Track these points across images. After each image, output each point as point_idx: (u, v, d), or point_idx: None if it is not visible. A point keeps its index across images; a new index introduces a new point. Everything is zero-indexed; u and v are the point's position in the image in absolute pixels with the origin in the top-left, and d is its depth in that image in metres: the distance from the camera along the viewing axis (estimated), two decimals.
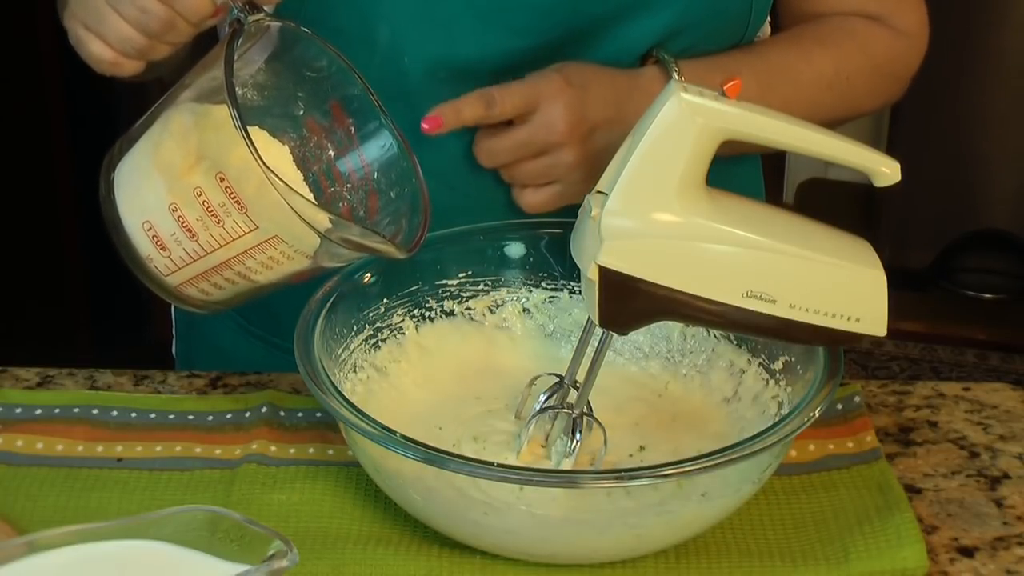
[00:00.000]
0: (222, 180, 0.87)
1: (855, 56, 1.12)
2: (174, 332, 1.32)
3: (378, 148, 0.97)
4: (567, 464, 0.92)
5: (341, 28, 1.04)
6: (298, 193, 0.85)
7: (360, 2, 1.04)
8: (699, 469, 0.83)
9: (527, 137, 1.02)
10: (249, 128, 0.93)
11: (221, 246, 0.90)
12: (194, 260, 0.91)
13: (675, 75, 1.04)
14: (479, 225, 1.05)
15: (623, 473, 0.84)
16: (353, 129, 0.97)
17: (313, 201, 0.93)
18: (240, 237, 0.89)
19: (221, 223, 0.88)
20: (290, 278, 0.93)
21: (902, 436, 1.03)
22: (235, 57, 0.87)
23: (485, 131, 1.04)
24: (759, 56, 1.10)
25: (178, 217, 0.90)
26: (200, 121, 0.89)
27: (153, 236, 0.91)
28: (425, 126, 0.99)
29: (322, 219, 0.87)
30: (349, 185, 0.97)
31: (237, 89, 0.93)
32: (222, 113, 0.85)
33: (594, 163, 1.03)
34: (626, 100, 1.04)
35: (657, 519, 0.86)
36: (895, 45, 1.15)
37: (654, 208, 0.86)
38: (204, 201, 0.88)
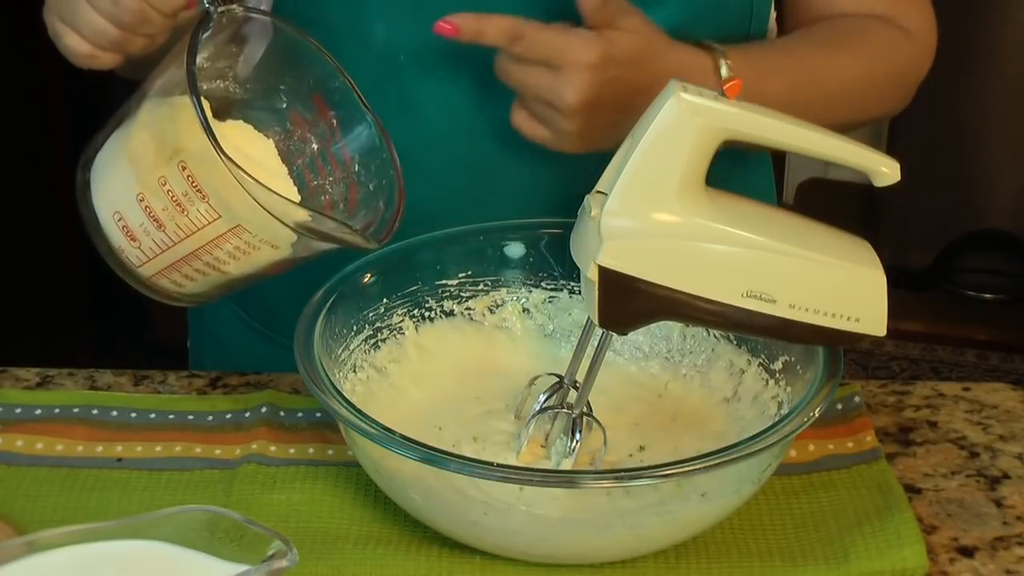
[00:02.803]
0: (184, 169, 0.88)
1: (876, 60, 1.11)
2: (188, 323, 1.32)
3: (359, 140, 0.97)
4: (567, 464, 0.92)
5: (335, 26, 1.04)
6: (255, 180, 0.85)
7: (354, 0, 1.04)
8: (699, 469, 0.83)
9: (540, 88, 0.98)
10: (232, 122, 0.94)
11: (187, 236, 0.90)
12: (163, 251, 0.91)
13: (724, 65, 1.02)
14: (479, 225, 1.05)
15: (623, 473, 0.84)
16: (335, 122, 0.97)
17: (293, 195, 0.93)
18: (205, 227, 0.89)
19: (185, 212, 0.89)
20: (264, 269, 0.93)
21: (902, 436, 1.03)
22: (199, 48, 0.88)
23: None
24: (793, 57, 1.08)
25: (145, 207, 0.90)
26: (169, 112, 0.90)
27: (123, 227, 0.92)
28: (445, 26, 0.95)
29: (283, 207, 0.87)
30: (331, 178, 0.98)
31: (218, 82, 0.94)
32: (188, 104, 0.86)
33: (592, 135, 1.00)
34: (644, 93, 0.96)
35: (657, 519, 0.86)
36: (909, 48, 1.13)
37: (654, 208, 0.86)
38: (169, 191, 0.89)
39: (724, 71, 1.02)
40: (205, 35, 0.89)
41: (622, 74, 0.98)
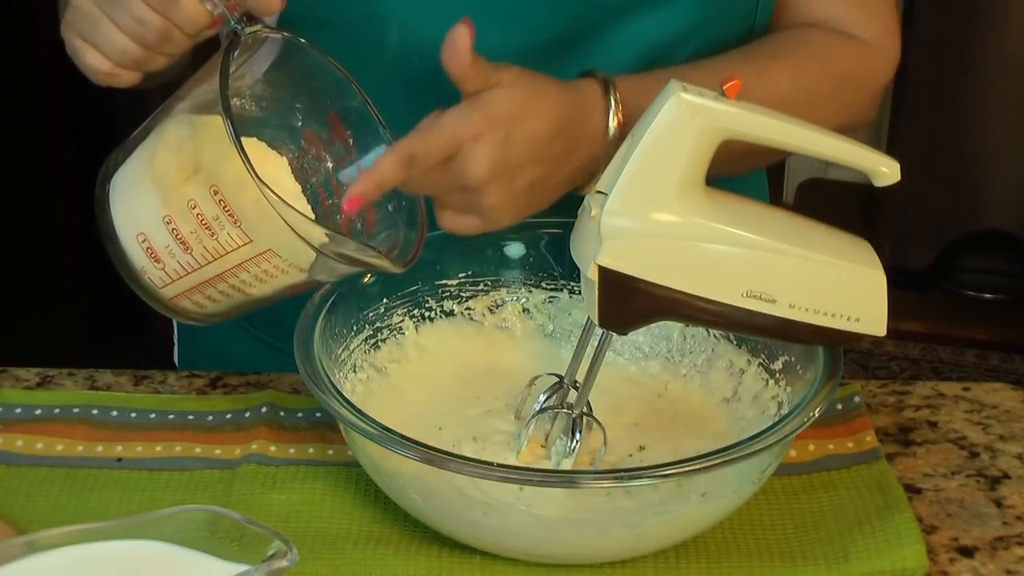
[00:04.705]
0: (216, 193, 0.87)
1: (813, 68, 1.08)
2: (176, 339, 1.32)
3: (376, 160, 0.96)
4: (567, 464, 0.92)
5: (350, 28, 1.04)
6: (292, 207, 0.85)
7: (369, 2, 1.04)
8: (699, 469, 0.83)
9: (446, 181, 0.96)
10: (246, 139, 0.93)
11: (215, 259, 0.89)
12: (188, 273, 0.91)
13: (612, 98, 0.99)
14: None
15: (623, 473, 0.84)
16: (351, 141, 0.97)
17: (308, 215, 0.93)
18: (234, 250, 0.89)
19: (215, 236, 0.88)
20: (286, 291, 0.93)
21: (902, 436, 1.03)
22: (231, 69, 0.87)
23: None
24: (709, 73, 1.04)
25: (172, 229, 0.89)
26: (195, 133, 0.89)
27: (147, 248, 0.91)
28: (347, 206, 0.91)
29: (317, 233, 0.86)
30: None
31: (234, 100, 0.93)
32: (217, 125, 0.85)
33: (517, 201, 0.97)
34: (548, 142, 0.97)
35: (657, 519, 0.86)
36: (858, 55, 1.11)
37: (654, 208, 0.86)
38: (198, 214, 0.88)
39: (612, 99, 0.99)
40: (235, 56, 0.89)
41: (515, 130, 0.95)
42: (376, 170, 0.92)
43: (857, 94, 1.13)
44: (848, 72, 1.11)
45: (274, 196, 0.84)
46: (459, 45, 0.93)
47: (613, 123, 0.98)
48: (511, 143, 0.95)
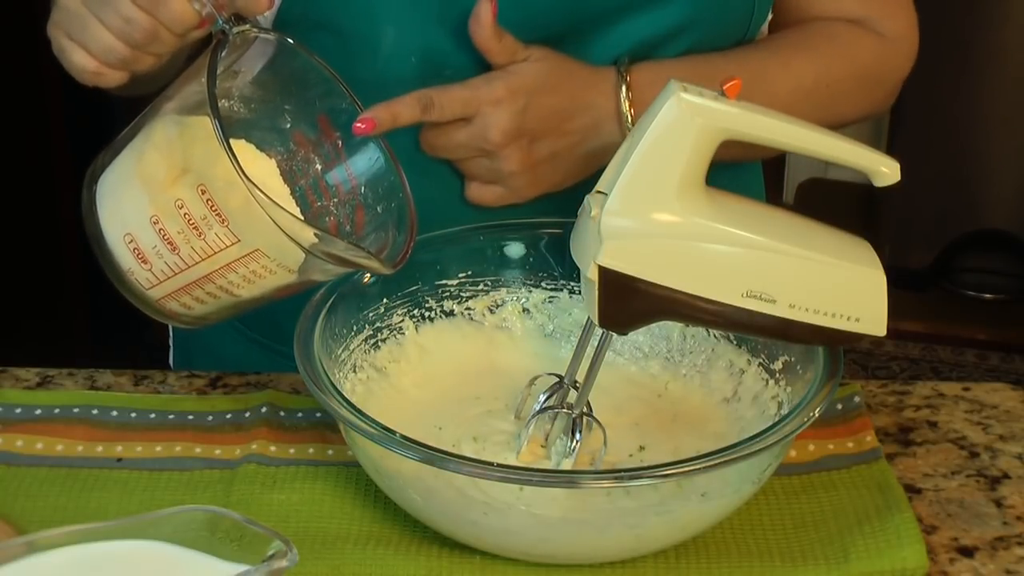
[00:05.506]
0: (204, 193, 0.87)
1: (837, 63, 1.10)
2: (171, 343, 1.31)
3: (365, 162, 0.96)
4: (567, 464, 0.92)
5: (346, 29, 1.04)
6: (280, 207, 0.85)
7: (365, 3, 1.04)
8: (699, 469, 0.83)
9: (465, 140, 1.02)
10: (235, 142, 0.92)
11: (202, 259, 0.89)
12: (175, 273, 0.90)
13: (624, 87, 1.04)
14: (479, 225, 1.05)
15: (623, 473, 0.84)
16: (340, 143, 0.96)
17: (296, 215, 0.93)
18: (222, 250, 0.88)
19: (203, 236, 0.88)
20: (274, 293, 0.92)
21: (902, 436, 1.03)
22: (218, 69, 0.87)
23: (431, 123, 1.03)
24: (734, 63, 1.08)
25: (159, 230, 0.89)
26: (183, 133, 0.88)
27: (134, 249, 0.91)
28: (360, 126, 0.95)
29: (306, 233, 0.86)
30: (336, 200, 0.97)
31: (223, 102, 0.93)
32: (205, 125, 0.85)
33: (537, 171, 1.03)
34: (569, 117, 1.03)
35: (657, 519, 0.86)
36: (880, 50, 1.13)
37: (654, 208, 0.86)
38: (185, 214, 0.88)
39: (623, 88, 1.04)
40: (222, 55, 0.88)
41: (536, 101, 1.02)
42: (395, 102, 0.98)
43: (877, 87, 1.15)
44: (870, 67, 1.12)
45: (263, 196, 0.84)
46: (482, 20, 0.99)
47: (625, 107, 1.03)
48: (530, 112, 1.01)
